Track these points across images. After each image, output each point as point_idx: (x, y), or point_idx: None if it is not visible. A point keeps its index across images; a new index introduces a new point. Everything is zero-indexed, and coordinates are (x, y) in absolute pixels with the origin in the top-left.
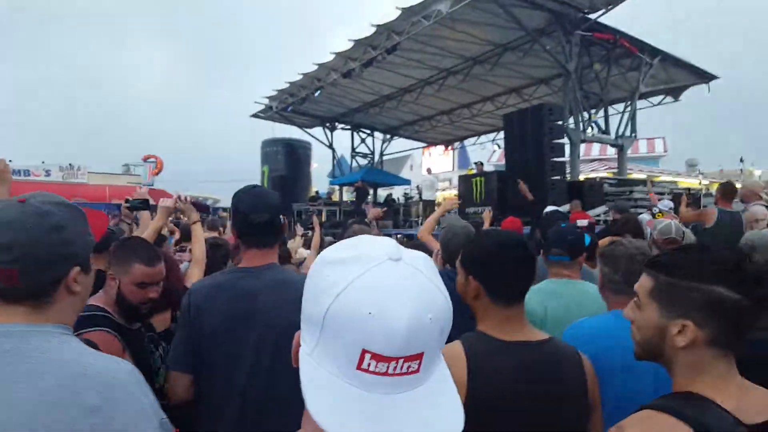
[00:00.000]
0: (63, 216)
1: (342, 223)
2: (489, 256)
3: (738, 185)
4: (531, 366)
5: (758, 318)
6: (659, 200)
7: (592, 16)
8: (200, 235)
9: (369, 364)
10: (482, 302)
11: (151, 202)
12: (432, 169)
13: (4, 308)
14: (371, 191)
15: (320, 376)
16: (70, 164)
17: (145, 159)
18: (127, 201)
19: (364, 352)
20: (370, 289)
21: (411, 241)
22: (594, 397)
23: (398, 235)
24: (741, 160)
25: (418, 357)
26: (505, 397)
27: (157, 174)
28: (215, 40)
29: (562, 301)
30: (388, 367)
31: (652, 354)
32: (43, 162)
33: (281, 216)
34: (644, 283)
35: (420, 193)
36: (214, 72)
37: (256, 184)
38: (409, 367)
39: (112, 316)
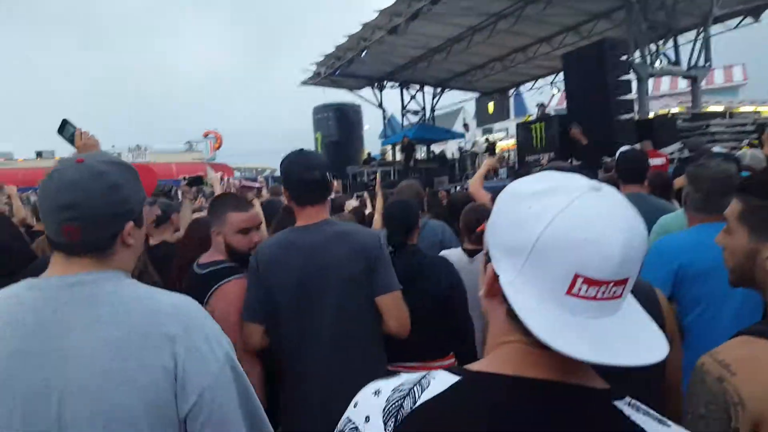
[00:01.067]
0: (118, 175)
1: (396, 182)
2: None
3: None
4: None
5: None
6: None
7: None
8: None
9: (580, 289)
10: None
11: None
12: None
13: (71, 261)
14: (424, 147)
15: (530, 302)
16: (137, 145)
17: (206, 135)
18: (184, 179)
19: (576, 276)
20: (582, 216)
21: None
22: (672, 331)
23: (456, 187)
24: None
25: (624, 282)
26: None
27: (218, 149)
28: (263, 14)
29: None
30: (597, 291)
31: (745, 279)
32: (113, 146)
33: (328, 173)
34: (734, 207)
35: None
36: (264, 45)
37: (302, 148)
38: (614, 292)
39: (234, 265)
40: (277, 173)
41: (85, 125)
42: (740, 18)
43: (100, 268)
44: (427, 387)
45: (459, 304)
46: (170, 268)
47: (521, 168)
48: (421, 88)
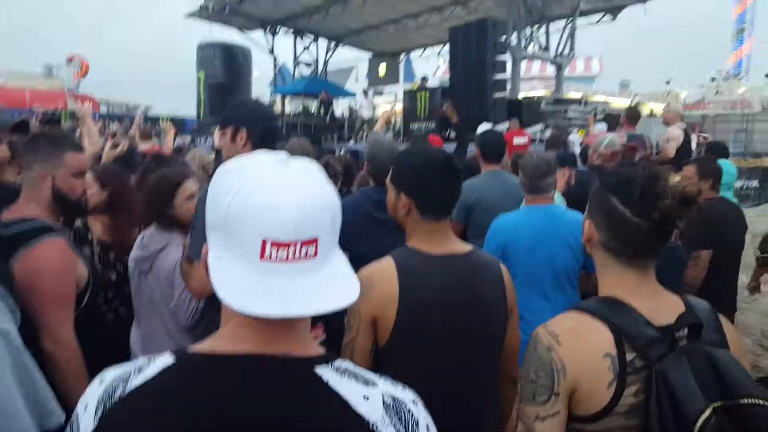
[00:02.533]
0: None
1: (284, 136)
2: (420, 172)
3: (659, 109)
4: (457, 276)
5: (659, 238)
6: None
7: None
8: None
9: (270, 253)
10: (412, 218)
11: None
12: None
13: None
14: (313, 104)
15: (229, 272)
16: None
17: (70, 60)
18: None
19: (264, 242)
20: (263, 185)
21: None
22: (511, 303)
23: (341, 150)
24: (668, 83)
25: (313, 242)
26: (433, 307)
27: (83, 77)
28: None
29: None
30: (287, 253)
31: (585, 251)
32: None
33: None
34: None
35: (356, 114)
36: None
37: (251, 98)
38: (306, 252)
39: (51, 225)
40: (151, 112)
41: None
42: (602, 14)
43: None
44: (144, 371)
45: None
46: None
47: (406, 134)
48: (315, 40)
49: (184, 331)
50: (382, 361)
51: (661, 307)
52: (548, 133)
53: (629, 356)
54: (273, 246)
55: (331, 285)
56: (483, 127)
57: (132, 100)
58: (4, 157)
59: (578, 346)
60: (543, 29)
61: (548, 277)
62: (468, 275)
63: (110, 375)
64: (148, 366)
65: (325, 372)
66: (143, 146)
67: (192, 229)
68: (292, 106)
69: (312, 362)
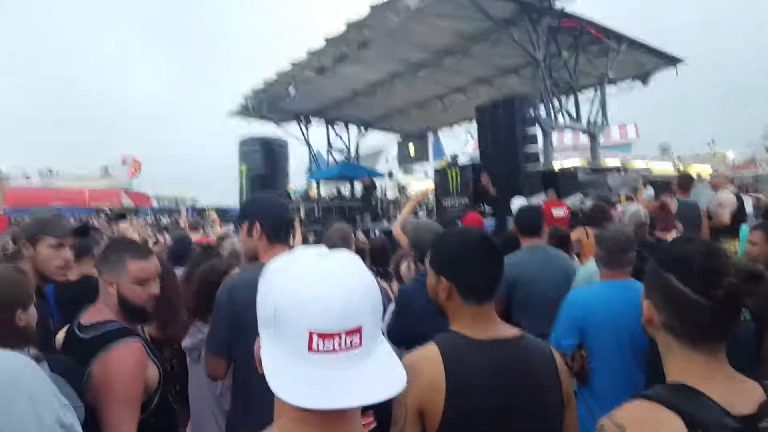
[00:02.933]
0: None
1: (320, 219)
2: (457, 255)
3: (706, 171)
4: (506, 364)
5: (726, 317)
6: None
7: (558, 4)
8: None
9: (317, 344)
10: (454, 302)
11: (132, 205)
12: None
13: None
14: (347, 186)
15: (280, 365)
16: (49, 169)
17: (123, 161)
18: (105, 215)
19: (311, 333)
20: (306, 279)
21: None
22: (567, 391)
23: (376, 231)
24: (711, 143)
25: (357, 331)
26: (482, 395)
27: (135, 175)
28: (194, 42)
29: None
30: (333, 344)
31: (647, 333)
32: (22, 167)
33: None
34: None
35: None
36: (193, 72)
37: (266, 192)
38: (351, 341)
39: (127, 327)
40: (198, 204)
41: None
42: (631, 81)
43: None
44: None
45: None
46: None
47: (439, 211)
48: (346, 127)
49: (225, 414)
50: None
51: (738, 394)
52: (588, 203)
53: None
54: (319, 338)
55: (377, 375)
56: (516, 201)
57: (180, 194)
58: (68, 260)
59: None
60: (572, 99)
61: (629, 355)
62: (517, 361)
63: None
64: None
65: None
66: (194, 236)
67: (211, 321)
68: (326, 190)
69: None
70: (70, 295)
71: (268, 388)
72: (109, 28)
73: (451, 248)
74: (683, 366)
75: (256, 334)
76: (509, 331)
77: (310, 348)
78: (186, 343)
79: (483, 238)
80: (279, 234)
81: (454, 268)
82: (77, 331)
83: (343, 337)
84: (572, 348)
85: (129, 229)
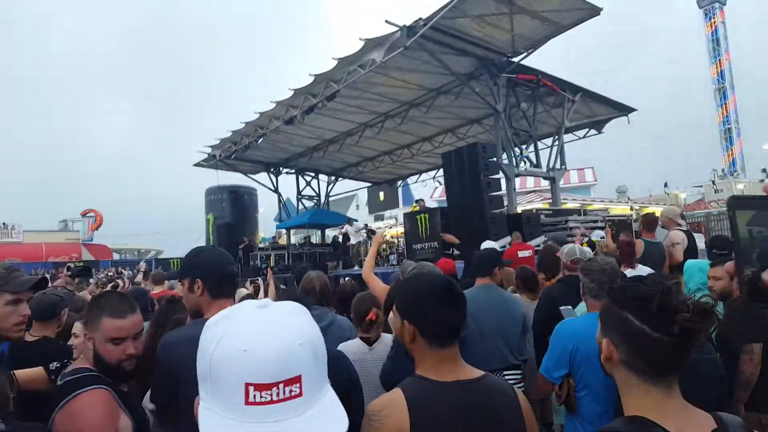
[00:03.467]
0: None
1: (290, 266)
2: (420, 299)
3: (658, 213)
4: (470, 405)
5: (681, 352)
6: (590, 232)
7: (515, 59)
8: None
9: (254, 396)
10: (418, 345)
11: (92, 259)
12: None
13: None
14: (317, 233)
15: (217, 422)
16: (3, 223)
17: (84, 214)
18: (68, 269)
19: (247, 385)
20: (242, 331)
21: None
22: (531, 428)
23: (346, 278)
24: (666, 185)
25: (296, 380)
26: None
27: (96, 228)
28: (155, 91)
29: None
30: (271, 394)
31: (605, 370)
32: None
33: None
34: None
35: (347, 239)
36: (155, 123)
37: (206, 246)
38: (291, 391)
39: (100, 375)
40: (162, 255)
41: None
42: (587, 129)
43: None
44: None
45: (357, 398)
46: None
47: (408, 255)
48: (316, 176)
49: None
50: None
51: (691, 425)
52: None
53: None
54: (256, 389)
55: (318, 423)
56: (485, 244)
57: (143, 247)
58: (26, 316)
59: None
60: (532, 147)
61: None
62: (481, 402)
63: None
64: None
65: None
66: (156, 290)
67: (153, 380)
68: (296, 238)
69: None
70: (26, 356)
71: None
72: (71, 71)
73: (414, 293)
74: (640, 400)
75: (197, 392)
76: (473, 372)
77: (246, 401)
78: (146, 402)
79: (446, 282)
80: (221, 289)
81: (417, 312)
82: (57, 378)
83: (281, 387)
84: (562, 378)
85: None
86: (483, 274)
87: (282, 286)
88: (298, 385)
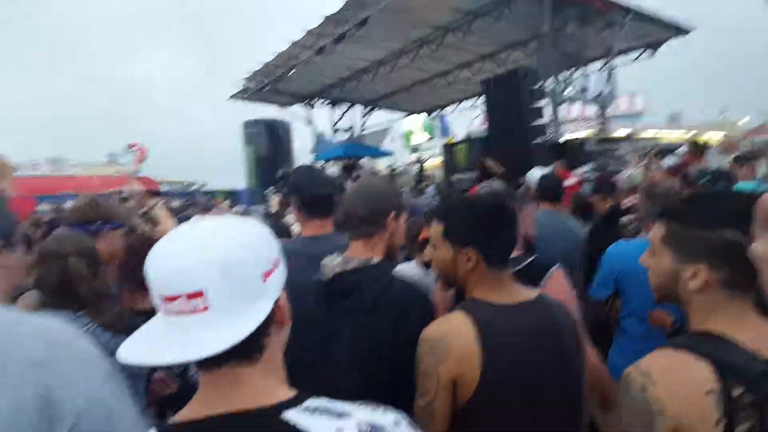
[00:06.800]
0: None
1: None
2: (480, 221)
3: (717, 138)
4: (533, 325)
5: None
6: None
7: None
8: (164, 218)
9: (165, 307)
10: (478, 270)
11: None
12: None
13: None
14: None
15: (149, 324)
16: (56, 157)
17: (130, 147)
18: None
19: (159, 298)
20: (158, 246)
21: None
22: (583, 338)
23: None
24: (723, 111)
25: (199, 294)
26: (515, 358)
27: (141, 162)
28: (192, 22)
29: None
30: (176, 306)
31: (668, 297)
32: (30, 156)
33: (335, 191)
34: (657, 230)
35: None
36: (194, 58)
37: (303, 165)
38: (195, 305)
39: None
40: (206, 188)
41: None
42: (640, 51)
43: None
44: None
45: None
46: None
47: (446, 186)
48: (351, 107)
49: None
50: (463, 421)
51: (766, 339)
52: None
53: (736, 392)
54: (165, 300)
55: (207, 337)
56: (535, 171)
57: (187, 179)
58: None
59: (676, 384)
60: (580, 72)
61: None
62: (543, 321)
63: None
64: None
65: (293, 415)
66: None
67: None
68: (331, 171)
69: (276, 409)
70: None
71: None
72: (114, 12)
73: (472, 216)
74: (717, 316)
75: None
76: (530, 292)
77: (162, 307)
78: None
79: (498, 201)
80: (313, 208)
81: (480, 236)
82: None
83: (183, 299)
84: (606, 297)
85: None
86: (546, 199)
87: None
88: (202, 299)
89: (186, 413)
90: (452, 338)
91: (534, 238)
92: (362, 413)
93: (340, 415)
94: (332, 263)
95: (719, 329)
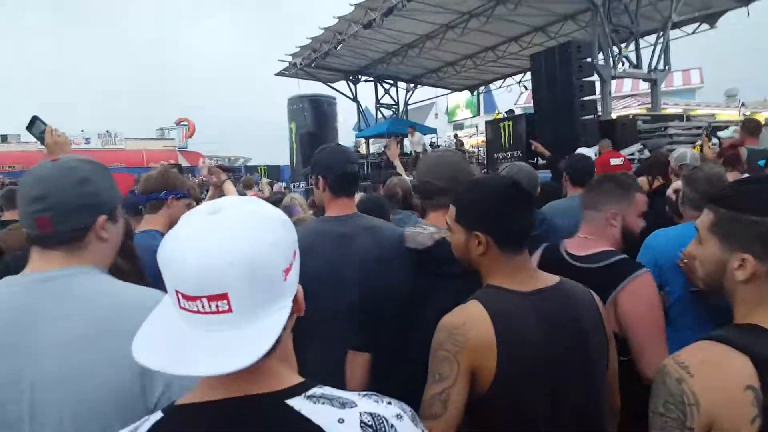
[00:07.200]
0: (89, 171)
1: (368, 175)
2: (490, 205)
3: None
4: (551, 313)
5: None
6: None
7: None
8: (232, 190)
9: (184, 303)
10: (491, 255)
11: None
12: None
13: (44, 254)
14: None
15: (161, 314)
16: (107, 131)
17: (178, 123)
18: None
19: (177, 292)
20: (178, 237)
21: None
22: (608, 330)
23: None
24: None
25: (222, 297)
26: (533, 348)
27: (190, 137)
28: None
29: None
30: (196, 306)
31: (715, 288)
32: (82, 130)
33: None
34: (704, 218)
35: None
36: (239, 33)
37: (338, 143)
38: (217, 306)
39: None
40: (250, 162)
41: (53, 110)
42: (697, 24)
43: (74, 262)
44: (139, 429)
45: None
46: None
47: (489, 165)
48: (395, 83)
49: None
50: (480, 413)
51: None
52: (645, 153)
53: None
54: (184, 298)
55: (236, 344)
56: (581, 151)
57: (233, 154)
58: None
59: (713, 378)
60: (632, 45)
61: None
62: (563, 309)
63: None
64: (143, 424)
65: (297, 402)
66: (249, 194)
67: None
68: (374, 147)
69: (282, 395)
70: None
71: None
72: None
73: (482, 200)
74: (763, 309)
75: (320, 282)
76: (548, 279)
77: (179, 305)
78: None
79: (510, 182)
80: (341, 187)
81: (491, 219)
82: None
83: (205, 301)
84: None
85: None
86: (577, 183)
87: (361, 193)
88: (225, 301)
89: (192, 396)
90: (470, 328)
91: (638, 233)
92: (366, 404)
93: (344, 404)
94: (426, 232)
95: (762, 322)
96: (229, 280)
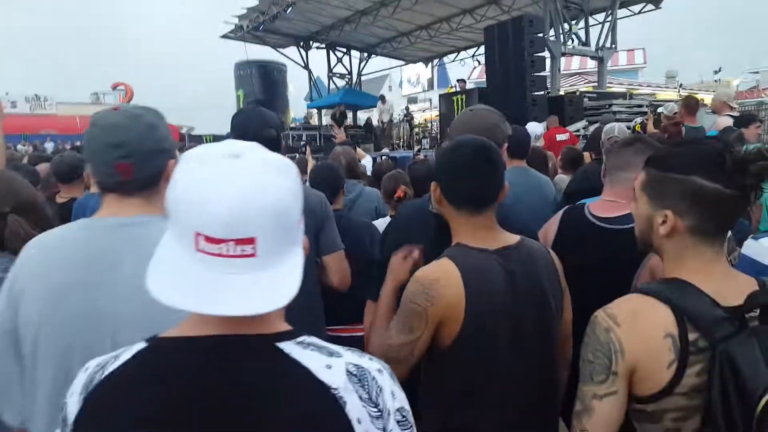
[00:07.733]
0: (152, 117)
1: (322, 147)
2: (448, 160)
3: (707, 97)
4: (515, 270)
5: (744, 207)
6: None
7: None
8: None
9: (203, 246)
10: (446, 209)
11: None
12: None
13: (123, 201)
14: (349, 114)
15: (169, 255)
16: (36, 95)
17: (114, 87)
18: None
19: (196, 234)
20: (197, 179)
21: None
22: (564, 283)
23: (383, 158)
24: (717, 71)
25: (250, 241)
26: (498, 304)
27: (128, 102)
28: None
29: None
30: (221, 249)
31: (647, 244)
32: (7, 93)
33: (280, 133)
34: (639, 178)
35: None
36: None
37: (257, 105)
38: (243, 250)
39: None
40: (194, 131)
41: None
42: (643, 4)
43: (150, 208)
44: (120, 357)
45: None
46: None
47: (442, 139)
48: (348, 52)
49: None
50: (445, 362)
51: (732, 288)
52: (592, 129)
53: (692, 337)
54: (206, 240)
55: (264, 287)
56: (530, 127)
57: (175, 122)
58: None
59: (637, 327)
60: (582, 23)
61: None
62: (525, 267)
63: (92, 363)
64: (123, 353)
65: (287, 345)
66: None
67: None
68: (327, 119)
69: (273, 338)
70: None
71: None
72: None
73: (444, 154)
74: (690, 264)
75: None
76: (512, 237)
77: (197, 247)
78: None
79: (480, 147)
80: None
81: (442, 171)
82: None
83: (231, 244)
84: None
85: None
86: (515, 155)
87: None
88: (251, 245)
89: (180, 330)
90: (442, 285)
91: None
92: (351, 356)
93: (331, 353)
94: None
95: (687, 276)
96: (260, 225)
